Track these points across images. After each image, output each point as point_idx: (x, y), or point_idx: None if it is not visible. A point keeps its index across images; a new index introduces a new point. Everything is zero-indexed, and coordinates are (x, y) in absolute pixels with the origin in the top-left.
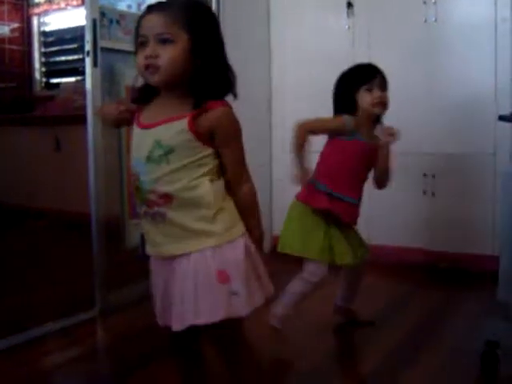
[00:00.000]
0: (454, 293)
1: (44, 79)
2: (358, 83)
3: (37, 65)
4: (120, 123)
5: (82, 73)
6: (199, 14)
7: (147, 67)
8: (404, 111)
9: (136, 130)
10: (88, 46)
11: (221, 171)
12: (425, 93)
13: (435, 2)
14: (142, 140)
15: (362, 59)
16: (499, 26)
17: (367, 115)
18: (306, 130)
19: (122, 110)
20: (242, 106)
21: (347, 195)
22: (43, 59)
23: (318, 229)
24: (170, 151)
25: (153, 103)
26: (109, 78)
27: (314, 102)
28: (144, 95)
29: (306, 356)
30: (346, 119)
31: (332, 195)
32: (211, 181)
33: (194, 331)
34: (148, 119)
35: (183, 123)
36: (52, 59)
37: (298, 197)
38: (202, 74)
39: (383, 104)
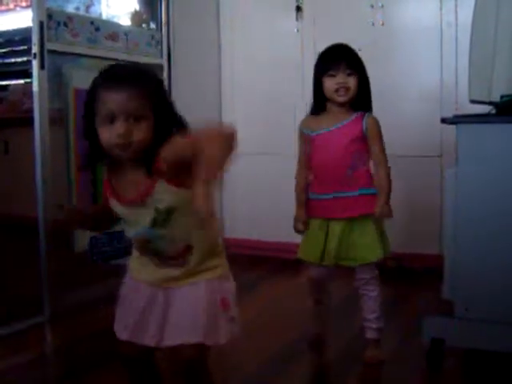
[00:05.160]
0: (402, 291)
1: None
2: (323, 68)
3: None
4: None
5: (31, 75)
6: (156, 87)
7: (119, 145)
8: None
9: (123, 207)
10: (35, 49)
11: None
12: (372, 95)
13: (382, 6)
14: (136, 214)
15: (311, 62)
16: (444, 31)
17: (333, 103)
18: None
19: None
20: (191, 109)
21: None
22: None
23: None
24: (170, 212)
25: (118, 173)
26: (56, 81)
27: (264, 104)
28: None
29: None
30: (301, 124)
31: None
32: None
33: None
34: (129, 192)
35: (161, 182)
36: (0, 61)
37: None
38: (162, 141)
39: (346, 89)
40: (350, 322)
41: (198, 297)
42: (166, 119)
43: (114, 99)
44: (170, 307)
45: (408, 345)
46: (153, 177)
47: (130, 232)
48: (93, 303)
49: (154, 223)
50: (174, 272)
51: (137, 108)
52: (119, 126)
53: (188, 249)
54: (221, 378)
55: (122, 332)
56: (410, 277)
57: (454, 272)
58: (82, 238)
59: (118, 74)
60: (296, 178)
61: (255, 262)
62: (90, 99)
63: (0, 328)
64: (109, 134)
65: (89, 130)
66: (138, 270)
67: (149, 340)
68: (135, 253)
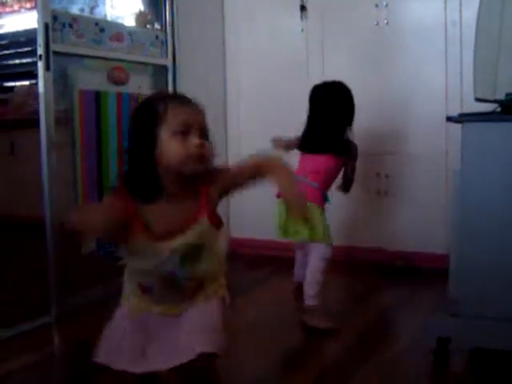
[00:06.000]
0: (409, 291)
1: None
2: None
3: None
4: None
5: (36, 76)
6: None
7: (197, 156)
8: (356, 113)
9: (147, 242)
10: (40, 50)
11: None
12: (377, 94)
13: (387, 5)
14: (166, 247)
15: (316, 62)
16: (449, 29)
17: None
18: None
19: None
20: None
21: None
22: None
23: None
24: (199, 247)
25: (157, 203)
26: (62, 82)
27: (268, 105)
28: (151, 193)
29: (260, 356)
30: None
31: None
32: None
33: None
34: (162, 226)
35: (204, 218)
36: (5, 62)
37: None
38: None
39: None
40: (355, 323)
41: (211, 307)
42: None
43: (190, 112)
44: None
45: (415, 344)
46: (199, 204)
47: (145, 265)
48: (99, 304)
49: (183, 258)
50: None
51: (205, 125)
52: (197, 138)
53: (202, 282)
54: (225, 377)
55: (132, 366)
56: (417, 276)
57: (460, 271)
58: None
59: (182, 95)
60: None
61: (261, 262)
62: (151, 115)
63: (7, 329)
64: (185, 146)
65: (143, 150)
66: (139, 306)
67: (163, 365)
68: (132, 290)
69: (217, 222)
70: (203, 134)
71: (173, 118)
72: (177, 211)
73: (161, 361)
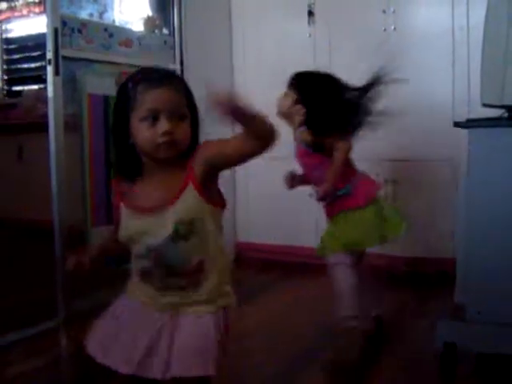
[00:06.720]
0: (416, 296)
1: (6, 87)
2: None
3: None
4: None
5: (45, 80)
6: (188, 88)
7: (165, 143)
8: None
9: (136, 216)
10: (49, 55)
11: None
12: (384, 100)
13: (394, 11)
14: (155, 223)
15: (323, 67)
16: (456, 35)
17: None
18: None
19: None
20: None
21: None
22: (5, 66)
23: None
24: (192, 222)
25: (143, 181)
26: (70, 86)
27: (276, 110)
28: (132, 172)
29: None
30: None
31: None
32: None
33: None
34: (150, 200)
35: (191, 189)
36: (14, 66)
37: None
38: (194, 141)
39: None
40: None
41: (206, 331)
42: (197, 120)
43: (158, 96)
44: (176, 340)
45: (421, 348)
46: (185, 178)
47: (139, 249)
48: (106, 307)
49: (176, 235)
50: (183, 298)
51: (180, 106)
52: (165, 124)
53: (201, 264)
54: (233, 381)
55: (121, 366)
56: (424, 281)
57: (466, 275)
58: (97, 242)
59: (159, 74)
60: None
61: (268, 266)
62: (124, 99)
63: (15, 332)
64: (152, 133)
65: (120, 133)
66: (138, 294)
67: (154, 374)
68: (135, 278)
69: (208, 197)
70: (175, 117)
71: (140, 104)
72: (162, 185)
73: (156, 368)
